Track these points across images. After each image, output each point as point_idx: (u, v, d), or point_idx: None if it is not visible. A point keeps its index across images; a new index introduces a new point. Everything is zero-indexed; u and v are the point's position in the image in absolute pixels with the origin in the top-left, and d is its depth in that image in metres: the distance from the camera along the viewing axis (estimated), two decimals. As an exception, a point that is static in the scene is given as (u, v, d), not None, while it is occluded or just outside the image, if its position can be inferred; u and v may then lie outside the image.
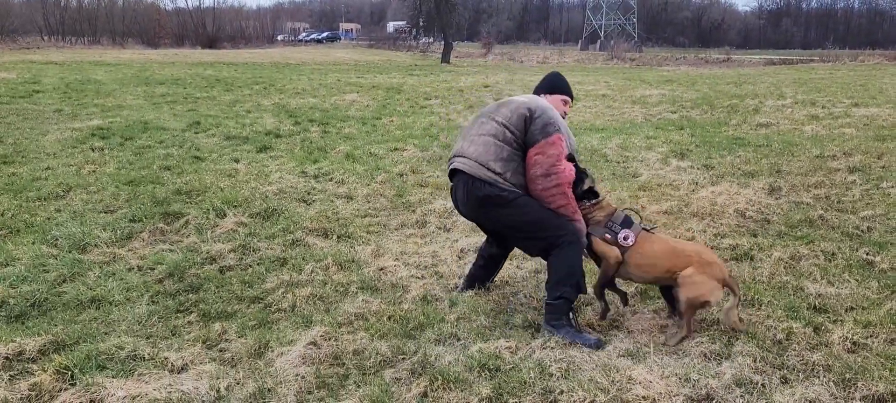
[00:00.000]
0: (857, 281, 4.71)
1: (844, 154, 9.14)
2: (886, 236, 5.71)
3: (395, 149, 9.54)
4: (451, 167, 4.17)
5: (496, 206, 4.01)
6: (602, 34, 70.83)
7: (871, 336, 3.84)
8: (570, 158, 4.06)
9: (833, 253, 5.25)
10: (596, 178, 4.21)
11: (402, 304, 4.35)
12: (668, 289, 4.10)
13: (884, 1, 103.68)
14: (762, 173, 8.14)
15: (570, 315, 3.97)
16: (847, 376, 3.35)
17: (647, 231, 4.09)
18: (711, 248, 4.24)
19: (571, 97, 4.45)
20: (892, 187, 7.28)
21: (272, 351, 3.70)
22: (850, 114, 13.55)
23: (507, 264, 5.12)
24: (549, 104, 4.11)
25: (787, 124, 12.40)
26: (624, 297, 4.29)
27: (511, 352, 3.67)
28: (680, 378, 3.37)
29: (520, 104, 4.04)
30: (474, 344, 3.74)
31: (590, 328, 4.09)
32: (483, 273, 4.55)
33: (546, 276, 4.07)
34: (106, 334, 3.93)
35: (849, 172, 8.10)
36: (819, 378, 3.36)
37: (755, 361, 3.58)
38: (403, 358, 3.62)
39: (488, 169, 3.96)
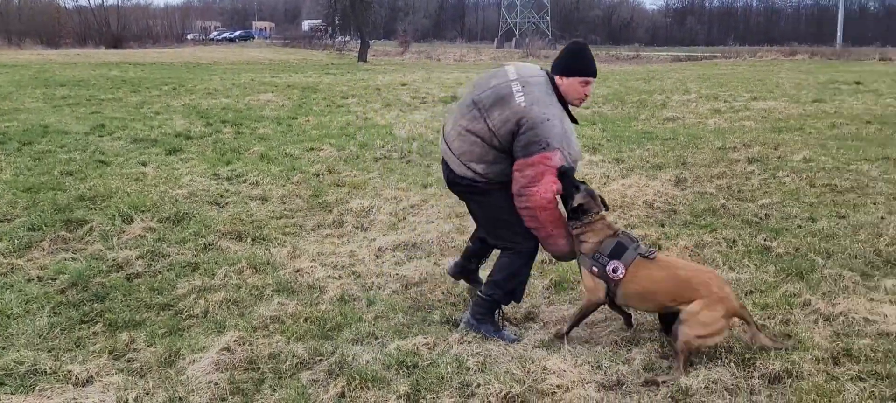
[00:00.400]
0: (755, 265, 4.96)
1: (744, 145, 9.60)
2: (782, 223, 6.03)
3: (312, 148, 9.42)
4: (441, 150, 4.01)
5: (472, 193, 3.91)
6: (517, 32, 71.96)
7: (768, 317, 4.05)
8: (564, 172, 3.64)
9: (734, 240, 5.50)
10: (596, 194, 3.75)
11: (318, 305, 4.30)
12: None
13: (779, 1, 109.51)
14: (669, 165, 8.45)
15: (496, 313, 3.98)
16: (746, 356, 3.52)
17: (645, 257, 3.62)
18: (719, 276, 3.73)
19: (593, 74, 3.81)
20: (787, 176, 7.70)
21: (183, 359, 3.59)
22: (749, 107, 14.24)
23: (425, 261, 5.15)
24: (544, 112, 3.60)
25: (692, 118, 12.93)
26: (627, 319, 3.97)
27: (429, 349, 3.68)
28: (592, 366, 3.47)
29: (514, 111, 3.61)
30: (392, 342, 3.74)
31: (509, 322, 4.15)
32: (479, 249, 4.34)
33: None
34: (4, 349, 3.72)
35: (748, 163, 8.52)
36: (722, 359, 3.51)
37: (662, 347, 3.71)
38: (320, 360, 3.59)
39: (469, 169, 3.77)
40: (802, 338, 3.74)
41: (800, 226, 5.90)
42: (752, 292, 4.47)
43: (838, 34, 59.07)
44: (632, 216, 6.32)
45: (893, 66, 30.11)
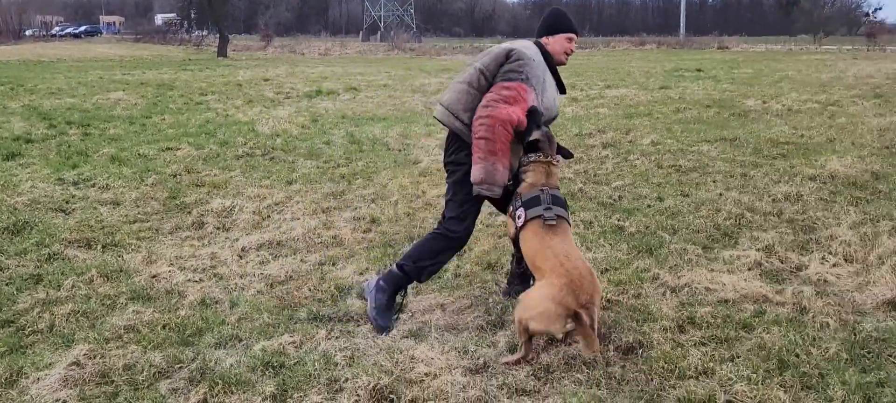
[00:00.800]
0: (610, 244, 5.23)
1: (599, 131, 10.09)
2: (634, 203, 6.39)
3: (168, 148, 8.98)
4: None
5: (455, 150, 3.86)
6: (382, 25, 71.84)
7: (622, 293, 4.28)
8: (533, 111, 3.66)
9: (591, 222, 5.77)
10: (554, 141, 3.76)
11: (178, 311, 4.11)
12: None
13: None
14: (530, 153, 8.72)
15: (399, 295, 4.00)
16: (603, 331, 3.71)
17: (548, 222, 3.55)
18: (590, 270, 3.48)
19: (576, 32, 4.03)
20: (638, 159, 8.17)
21: (27, 378, 3.33)
22: (603, 95, 14.97)
23: (290, 259, 5.04)
24: (533, 54, 3.79)
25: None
26: (522, 276, 4.04)
27: (295, 347, 3.62)
28: (459, 352, 3.53)
29: (502, 47, 3.83)
30: (257, 343, 3.64)
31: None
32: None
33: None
34: None
35: (603, 147, 8.96)
36: (580, 335, 3.68)
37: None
38: (180, 367, 3.43)
39: (457, 118, 3.79)
40: (652, 310, 3.98)
41: (649, 206, 6.27)
42: (607, 270, 4.71)
43: (682, 25, 63.29)
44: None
45: (730, 54, 32.64)
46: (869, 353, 3.44)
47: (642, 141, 9.31)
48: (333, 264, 4.95)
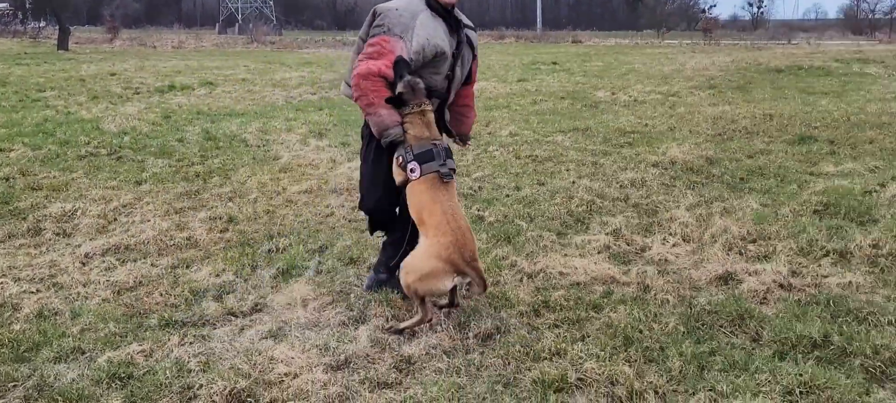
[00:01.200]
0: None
1: (460, 124, 10.25)
2: (493, 193, 6.56)
3: (0, 150, 8.26)
4: None
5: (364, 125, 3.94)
6: (240, 17, 69.45)
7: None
8: (398, 61, 3.62)
9: (452, 213, 5.87)
10: (420, 88, 3.65)
11: (11, 325, 3.79)
12: None
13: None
14: (393, 146, 8.75)
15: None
16: (462, 320, 3.79)
17: (442, 178, 3.63)
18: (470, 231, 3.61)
19: None
20: (497, 150, 8.41)
21: None
22: (464, 88, 15.24)
23: (140, 263, 4.79)
24: (397, 4, 3.79)
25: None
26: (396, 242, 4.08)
27: (145, 356, 3.44)
28: (320, 349, 3.50)
29: (372, 10, 3.84)
30: (102, 355, 3.43)
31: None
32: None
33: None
34: None
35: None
36: (441, 325, 3.75)
37: (388, 321, 3.86)
38: (15, 386, 3.17)
39: (349, 86, 3.86)
40: (510, 297, 4.12)
41: (508, 195, 6.46)
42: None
43: (538, 19, 65.58)
44: (358, 198, 6.44)
45: (583, 47, 34.21)
46: (703, 325, 3.72)
47: (501, 132, 9.58)
48: (187, 267, 4.75)
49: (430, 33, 3.73)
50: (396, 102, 3.67)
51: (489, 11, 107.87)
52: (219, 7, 75.05)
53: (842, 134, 8.98)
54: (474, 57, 4.13)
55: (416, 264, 3.57)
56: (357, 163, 7.67)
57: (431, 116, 3.75)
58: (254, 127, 10.16)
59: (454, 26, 3.88)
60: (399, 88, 3.64)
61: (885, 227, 5.08)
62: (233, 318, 3.97)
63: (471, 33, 4.05)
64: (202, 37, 50.41)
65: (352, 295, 4.21)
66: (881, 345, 3.36)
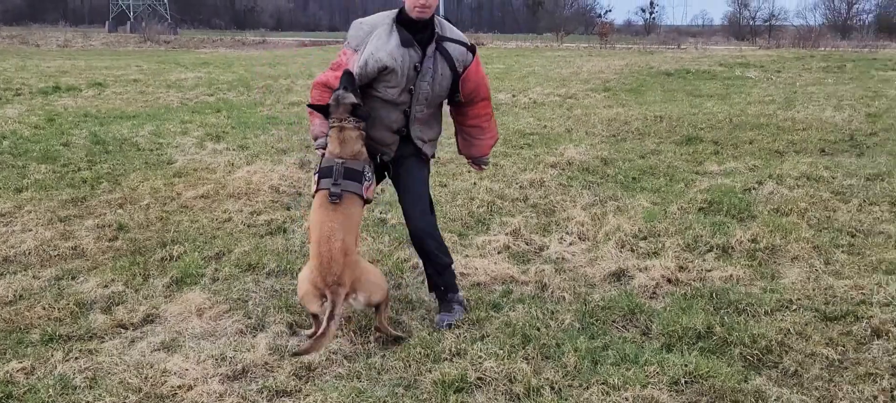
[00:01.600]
0: (373, 237, 5.34)
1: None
2: (395, 196, 6.53)
3: None
4: None
5: None
6: (131, 15, 66.47)
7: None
8: (346, 73, 3.55)
9: (353, 216, 5.84)
10: (346, 103, 3.51)
11: None
12: None
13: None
14: (294, 149, 8.62)
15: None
16: (363, 324, 3.78)
17: (332, 199, 3.50)
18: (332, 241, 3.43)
19: None
20: (399, 152, 8.41)
21: None
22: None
23: (20, 276, 4.52)
24: (365, 19, 3.72)
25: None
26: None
27: (26, 374, 3.26)
28: (216, 359, 3.40)
29: None
30: (-24, 375, 3.22)
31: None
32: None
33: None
34: None
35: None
36: (342, 330, 3.72)
37: (289, 327, 3.80)
38: None
39: None
40: (412, 299, 4.14)
41: (410, 197, 6.48)
42: (372, 262, 4.80)
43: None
44: (257, 202, 6.32)
45: (485, 49, 34.63)
46: (597, 321, 3.86)
47: (403, 134, 9.58)
48: (73, 278, 4.52)
49: (374, 48, 3.58)
50: (324, 112, 3.64)
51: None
52: (108, 4, 71.57)
53: (725, 135, 9.50)
54: (458, 73, 3.73)
55: (299, 281, 3.55)
56: (257, 165, 7.54)
57: (350, 134, 3.58)
58: (146, 130, 9.77)
59: (422, 40, 3.63)
60: (332, 105, 3.57)
61: (762, 223, 5.42)
62: (122, 331, 3.81)
63: (452, 47, 3.69)
64: (91, 35, 47.99)
65: (249, 303, 4.12)
66: (758, 334, 3.58)
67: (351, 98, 3.54)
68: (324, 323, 3.31)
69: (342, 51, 3.69)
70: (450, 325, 3.77)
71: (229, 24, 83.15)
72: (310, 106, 3.74)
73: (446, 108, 4.01)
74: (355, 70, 3.57)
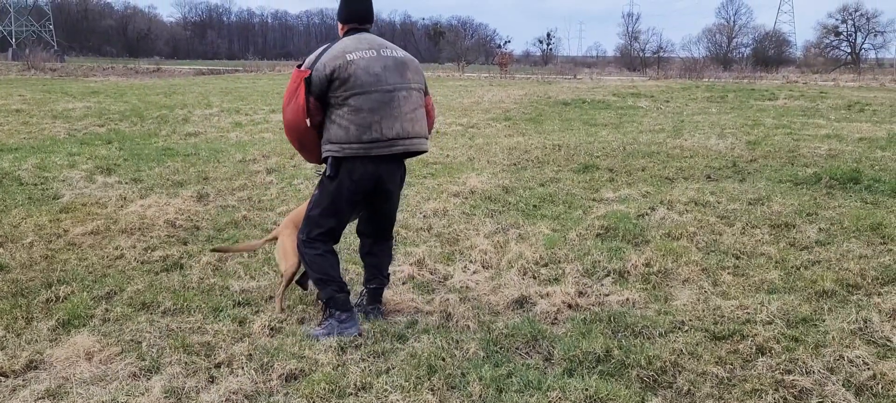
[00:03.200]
0: (274, 271, 5.22)
1: (263, 156, 10.05)
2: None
3: None
4: (401, 150, 4.00)
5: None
6: (13, 42, 62.93)
7: (286, 319, 4.30)
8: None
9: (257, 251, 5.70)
10: None
11: None
12: None
13: (292, 18, 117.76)
14: (191, 181, 8.37)
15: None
16: (265, 360, 3.69)
17: None
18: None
19: (342, 21, 4.18)
20: (302, 183, 8.31)
21: None
22: (268, 119, 14.96)
23: None
24: (319, 47, 4.08)
25: (215, 132, 13.03)
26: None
27: None
28: (106, 406, 3.23)
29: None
30: None
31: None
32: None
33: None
34: None
35: (267, 173, 8.94)
36: (242, 368, 3.62)
37: (185, 367, 3.66)
38: None
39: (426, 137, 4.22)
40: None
41: (313, 229, 6.39)
42: (270, 298, 4.69)
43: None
44: (152, 237, 6.07)
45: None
46: (501, 349, 3.91)
47: (307, 166, 9.47)
48: (-55, 324, 4.19)
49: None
50: None
51: (293, 40, 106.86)
52: (-12, 30, 67.55)
53: (619, 162, 9.90)
54: None
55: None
56: (152, 198, 7.26)
57: None
58: (30, 163, 9.23)
59: None
60: None
61: (655, 247, 5.66)
62: (2, 379, 3.56)
63: None
64: (-33, 62, 45.02)
65: (144, 344, 3.94)
66: (653, 356, 3.73)
67: None
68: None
69: (296, 70, 4.06)
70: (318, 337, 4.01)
71: (121, 51, 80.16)
72: None
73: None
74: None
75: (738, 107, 18.76)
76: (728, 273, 5.20)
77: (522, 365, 3.71)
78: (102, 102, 18.28)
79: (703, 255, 5.58)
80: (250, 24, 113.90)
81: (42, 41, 60.85)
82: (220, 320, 4.27)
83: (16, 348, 3.88)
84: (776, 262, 5.43)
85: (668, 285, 5.00)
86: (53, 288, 4.77)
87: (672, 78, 37.60)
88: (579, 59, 75.10)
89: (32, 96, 19.67)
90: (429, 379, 3.49)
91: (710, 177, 8.89)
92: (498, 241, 5.98)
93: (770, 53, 66.27)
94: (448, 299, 4.63)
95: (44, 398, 3.34)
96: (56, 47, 60.35)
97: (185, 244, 5.96)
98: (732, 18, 75.16)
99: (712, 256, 5.58)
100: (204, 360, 3.73)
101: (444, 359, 3.72)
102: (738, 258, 5.57)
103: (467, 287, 4.99)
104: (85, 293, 4.69)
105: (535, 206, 7.37)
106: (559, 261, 5.47)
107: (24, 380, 3.55)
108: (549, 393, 3.35)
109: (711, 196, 7.53)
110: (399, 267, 5.28)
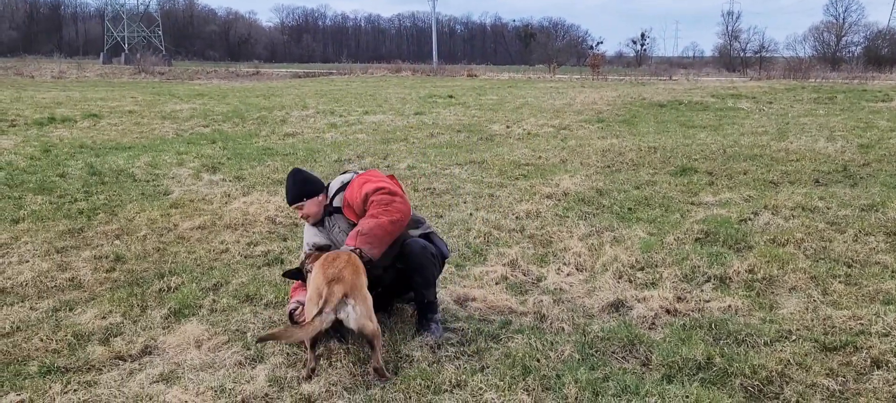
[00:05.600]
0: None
1: (358, 156, 10.27)
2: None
3: None
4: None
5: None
6: (126, 47, 66.78)
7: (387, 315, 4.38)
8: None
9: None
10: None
11: None
12: None
13: (384, 22, 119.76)
14: (290, 180, 8.63)
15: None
16: (362, 355, 3.77)
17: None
18: None
19: (289, 201, 4.36)
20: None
21: None
22: (362, 121, 15.27)
23: (17, 307, 4.49)
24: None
25: (311, 132, 13.41)
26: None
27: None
28: (215, 391, 3.39)
29: None
30: (-26, 409, 3.19)
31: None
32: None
33: None
34: None
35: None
36: (341, 361, 3.72)
37: (287, 358, 3.79)
38: None
39: None
40: (411, 330, 4.13)
41: (407, 228, 6.49)
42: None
43: (434, 53, 66.59)
44: (254, 233, 6.32)
45: (478, 81, 34.91)
46: (596, 352, 3.86)
47: (399, 165, 9.63)
48: (71, 309, 4.50)
49: (307, 237, 4.41)
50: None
51: (385, 43, 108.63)
52: (103, 36, 71.89)
53: (719, 165, 9.58)
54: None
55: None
56: (253, 196, 7.55)
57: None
58: (142, 161, 9.78)
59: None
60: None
61: (758, 253, 5.44)
62: (121, 362, 3.79)
63: (337, 199, 4.26)
64: (85, 67, 48.08)
65: (248, 334, 4.11)
66: (758, 365, 3.59)
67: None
68: (312, 318, 3.44)
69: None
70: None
71: (223, 55, 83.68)
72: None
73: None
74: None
75: (848, 108, 17.78)
76: (839, 282, 4.94)
77: (619, 370, 3.65)
78: (207, 104, 19.14)
79: (811, 263, 5.32)
80: (344, 27, 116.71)
81: (151, 46, 64.37)
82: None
83: (133, 334, 4.12)
84: (892, 272, 5.12)
85: (773, 293, 4.80)
86: (165, 278, 5.03)
87: (775, 78, 35.95)
88: (675, 60, 72.90)
89: (144, 98, 20.83)
90: (523, 380, 3.48)
91: (818, 182, 8.47)
92: (592, 244, 5.90)
93: (884, 52, 62.36)
94: (542, 300, 4.61)
95: (158, 381, 3.53)
96: (164, 52, 63.64)
97: (285, 240, 6.16)
98: (842, 15, 71.14)
99: (822, 264, 5.31)
100: (304, 353, 3.84)
101: (538, 360, 3.70)
102: (850, 266, 5.29)
103: (561, 289, 4.94)
104: (194, 284, 4.93)
105: (630, 209, 7.23)
106: (656, 265, 5.34)
107: (140, 364, 3.76)
108: (647, 399, 3.28)
109: (820, 201, 7.17)
110: (492, 268, 5.29)
